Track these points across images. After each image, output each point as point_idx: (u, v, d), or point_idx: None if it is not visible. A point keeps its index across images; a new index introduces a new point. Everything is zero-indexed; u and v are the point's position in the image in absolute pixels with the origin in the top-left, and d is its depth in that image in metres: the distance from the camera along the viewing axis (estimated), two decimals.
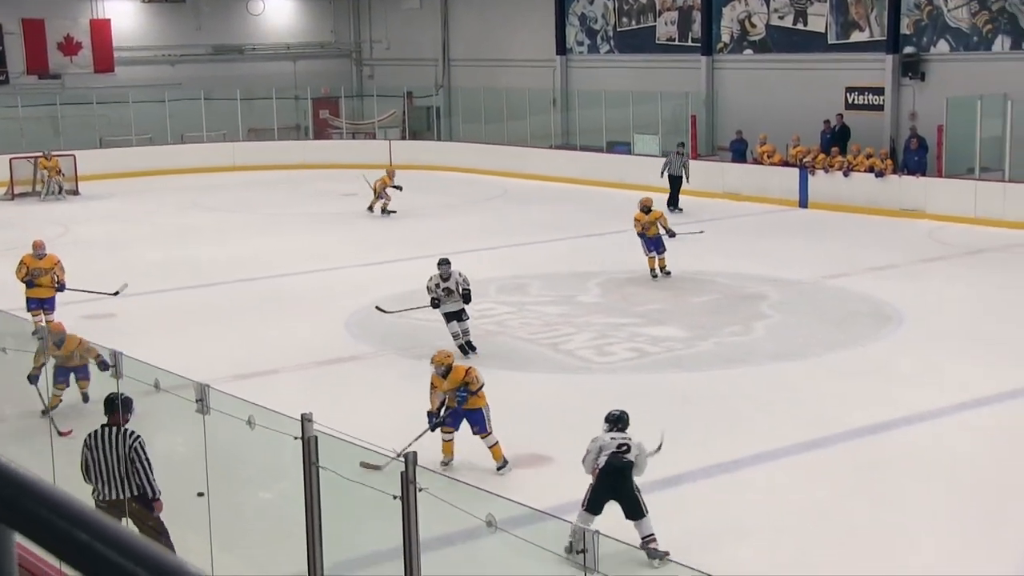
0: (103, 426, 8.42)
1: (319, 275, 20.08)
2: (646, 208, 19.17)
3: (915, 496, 10.06)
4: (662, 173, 25.96)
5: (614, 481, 8.72)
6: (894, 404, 12.37)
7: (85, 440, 8.47)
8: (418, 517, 5.89)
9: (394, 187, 26.28)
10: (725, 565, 8.27)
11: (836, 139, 26.70)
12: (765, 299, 17.58)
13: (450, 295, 14.27)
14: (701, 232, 20.97)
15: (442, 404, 10.66)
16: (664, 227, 19.05)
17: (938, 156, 25.40)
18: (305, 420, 6.54)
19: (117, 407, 8.43)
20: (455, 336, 14.46)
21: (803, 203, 26.03)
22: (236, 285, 19.47)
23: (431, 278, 14.46)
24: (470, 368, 10.90)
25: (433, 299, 14.44)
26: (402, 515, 5.88)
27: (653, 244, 18.97)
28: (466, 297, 14.29)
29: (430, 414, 10.70)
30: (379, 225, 25.67)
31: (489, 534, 6.41)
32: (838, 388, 13.16)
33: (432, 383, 10.84)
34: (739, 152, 28.36)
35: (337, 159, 35.16)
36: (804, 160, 26.39)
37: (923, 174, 24.96)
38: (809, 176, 26.10)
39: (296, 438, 6.55)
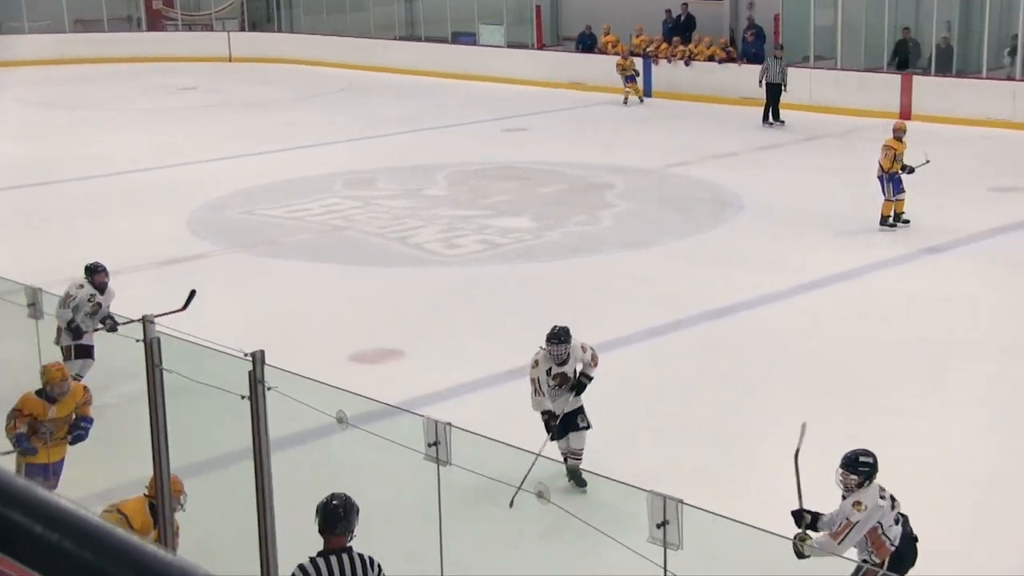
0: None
1: (159, 172, 19.48)
2: (901, 134, 14.83)
3: (765, 375, 10.35)
4: (760, 81, 22.57)
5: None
6: (738, 288, 12.67)
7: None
8: (267, 417, 5.78)
9: None
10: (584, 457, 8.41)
11: (679, 29, 26.84)
12: (611, 188, 17.72)
13: (562, 385, 8.42)
14: (928, 162, 14.58)
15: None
16: (905, 165, 14.67)
17: (775, 44, 25.81)
18: (147, 322, 6.33)
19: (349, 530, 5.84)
20: (565, 457, 8.54)
21: (647, 92, 26.20)
22: (70, 184, 18.76)
23: (535, 359, 8.42)
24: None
25: (546, 419, 8.34)
26: (251, 415, 5.77)
27: (899, 183, 14.68)
28: (580, 387, 8.49)
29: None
30: (220, 120, 24.97)
31: (341, 430, 6.36)
32: (684, 274, 13.40)
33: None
34: (586, 44, 28.31)
35: (172, 52, 33.96)
36: (647, 50, 26.50)
37: (761, 62, 25.36)
38: (652, 66, 26.24)
39: (138, 340, 6.34)
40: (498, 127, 23.27)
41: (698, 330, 11.61)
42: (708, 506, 5.37)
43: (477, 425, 6.54)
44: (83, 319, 9.77)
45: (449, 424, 5.84)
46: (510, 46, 30.25)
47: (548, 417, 8.27)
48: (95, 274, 9.93)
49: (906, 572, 6.22)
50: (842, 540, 6.12)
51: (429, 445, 5.83)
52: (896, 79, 22.69)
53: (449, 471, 5.82)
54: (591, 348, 8.51)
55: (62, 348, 9.74)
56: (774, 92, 22.45)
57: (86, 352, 9.79)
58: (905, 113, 22.43)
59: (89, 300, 9.81)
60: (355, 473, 8.05)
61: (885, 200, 14.76)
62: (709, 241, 14.90)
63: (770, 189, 17.39)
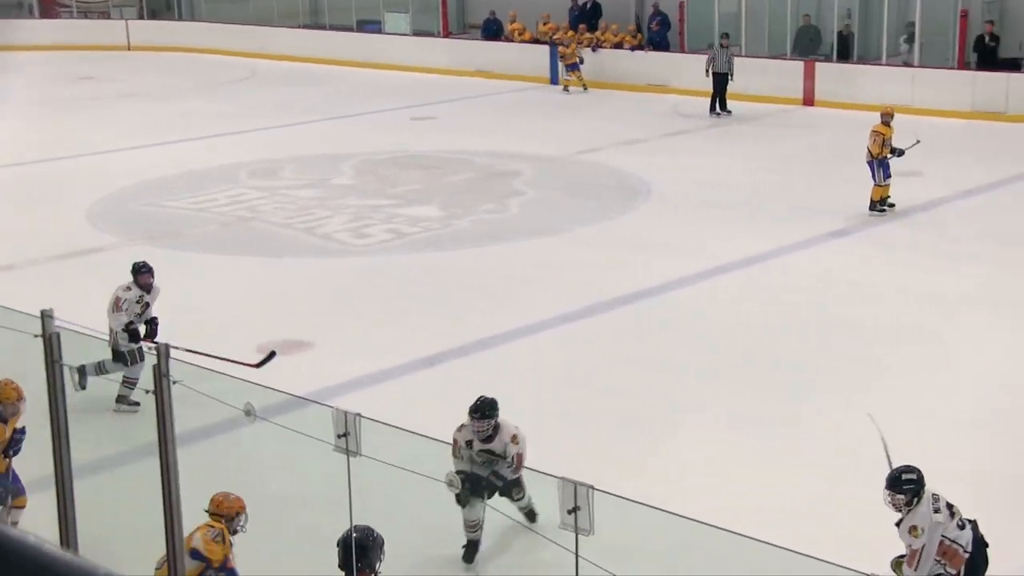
0: None
1: (56, 164, 19.02)
2: (889, 119, 14.89)
3: (675, 359, 10.42)
4: (707, 71, 22.33)
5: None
6: (647, 274, 12.73)
7: None
8: (172, 411, 5.66)
9: None
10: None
11: (585, 17, 26.92)
12: (519, 176, 17.71)
13: (489, 463, 7.26)
14: (918, 142, 15.08)
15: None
16: (894, 147, 14.79)
17: (680, 32, 26.08)
18: (46, 316, 6.17)
19: None
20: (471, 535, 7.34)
21: (554, 80, 26.24)
22: None
23: (459, 427, 7.35)
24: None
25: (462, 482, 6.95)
26: (156, 409, 5.65)
27: (888, 168, 14.75)
28: (493, 490, 7.28)
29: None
30: (119, 111, 24.46)
31: (249, 423, 6.25)
32: (593, 260, 13.44)
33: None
34: (492, 31, 28.27)
35: (68, 40, 33.18)
36: (554, 37, 26.53)
37: (667, 50, 25.62)
38: (559, 53, 26.27)
39: (36, 336, 6.17)
40: (405, 116, 23.14)
41: (608, 316, 11.64)
42: (619, 491, 5.37)
43: (387, 415, 6.47)
44: (136, 320, 9.49)
45: (358, 415, 5.77)
46: (416, 34, 30.10)
47: (464, 477, 6.96)
48: (139, 274, 9.65)
49: None
50: (918, 566, 5.93)
51: (339, 436, 5.75)
52: (799, 65, 23.00)
53: (359, 462, 5.75)
54: (520, 444, 7.08)
55: (125, 352, 9.40)
56: (721, 82, 22.18)
57: (142, 355, 9.47)
58: (808, 99, 22.79)
59: (137, 302, 9.54)
60: (264, 466, 7.95)
61: (875, 185, 14.92)
62: (617, 228, 14.96)
63: (678, 175, 17.52)
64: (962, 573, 5.95)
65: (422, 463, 7.33)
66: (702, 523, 6.26)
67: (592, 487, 4.96)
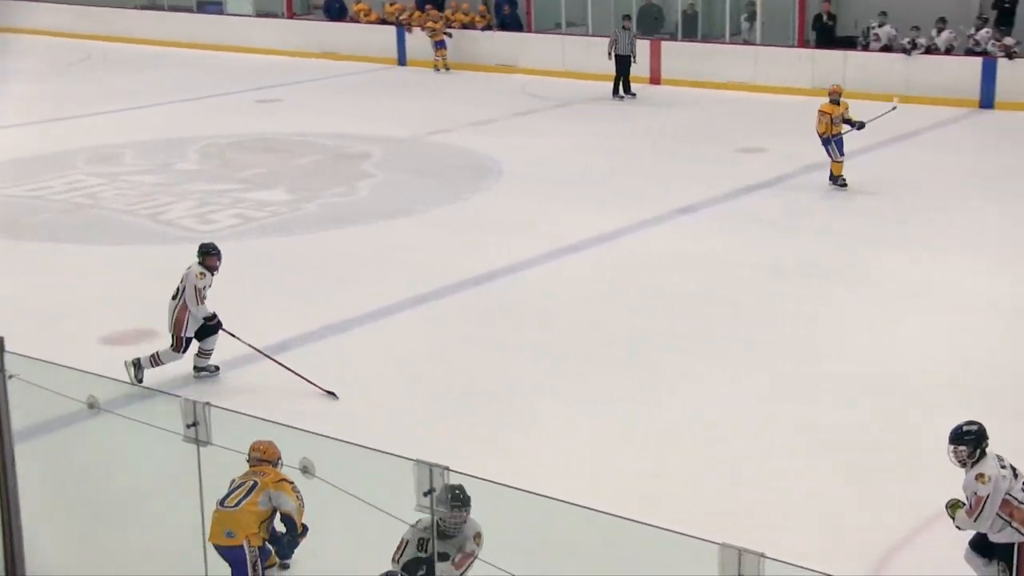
0: None
1: None
2: (836, 97, 14.99)
3: (525, 338, 10.44)
4: (609, 54, 21.76)
5: None
6: (498, 254, 12.74)
7: None
8: (8, 405, 5.43)
9: None
10: (343, 419, 8.24)
11: None
12: (368, 158, 17.54)
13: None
14: (895, 108, 15.38)
15: None
16: (852, 120, 14.87)
17: (527, 12, 26.16)
18: None
19: None
20: None
21: (401, 61, 26.06)
22: None
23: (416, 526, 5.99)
24: None
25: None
26: None
27: (841, 144, 14.96)
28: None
29: None
30: None
31: (92, 416, 6.07)
32: (444, 242, 13.39)
33: None
34: (335, 11, 27.89)
35: None
36: (400, 18, 26.32)
37: (516, 29, 25.67)
38: (406, 34, 26.08)
39: None
40: (250, 98, 22.71)
41: (459, 297, 11.61)
42: (473, 471, 5.34)
43: (236, 403, 6.34)
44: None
45: (208, 404, 5.64)
46: (259, 15, 29.54)
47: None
48: (208, 256, 9.53)
49: None
50: (978, 516, 5.99)
51: (188, 426, 5.61)
52: (645, 44, 23.28)
53: (209, 451, 5.61)
54: (476, 548, 5.97)
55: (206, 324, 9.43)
56: (623, 64, 21.81)
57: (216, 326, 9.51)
58: (655, 77, 23.10)
59: (209, 286, 9.48)
60: (110, 459, 7.69)
61: (832, 161, 15.03)
62: (468, 208, 14.94)
63: (528, 155, 17.57)
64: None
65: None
66: (558, 500, 6.27)
67: (447, 468, 4.92)
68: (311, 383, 9.11)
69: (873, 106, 16.19)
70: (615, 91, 21.97)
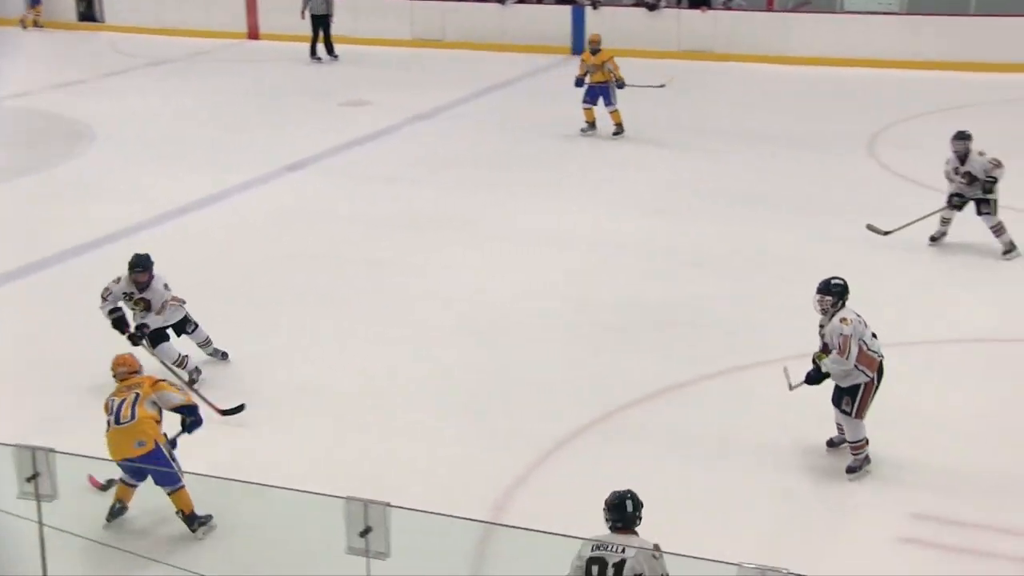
0: None
1: None
2: (595, 47, 15.04)
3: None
4: (302, 13, 20.36)
5: None
6: (97, 222, 11.96)
7: None
8: None
9: None
10: None
11: None
12: None
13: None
14: (663, 86, 15.41)
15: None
16: (616, 75, 14.90)
17: None
18: None
19: None
20: None
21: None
22: None
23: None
24: None
25: None
26: None
27: (598, 93, 15.02)
28: None
29: None
30: None
31: None
32: (37, 214, 12.54)
33: None
34: None
35: None
36: None
37: None
38: None
39: None
40: None
41: (58, 269, 10.88)
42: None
43: None
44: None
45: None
46: None
47: None
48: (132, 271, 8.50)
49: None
50: (848, 354, 6.87)
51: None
52: (242, 2, 22.56)
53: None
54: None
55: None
56: (321, 24, 20.48)
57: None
58: (253, 32, 22.61)
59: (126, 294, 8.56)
60: None
61: (609, 111, 15.01)
62: (60, 175, 14.05)
63: (123, 117, 16.75)
64: (877, 376, 7.03)
65: None
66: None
67: (388, 504, 4.61)
68: (214, 407, 8.06)
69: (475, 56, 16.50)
70: (312, 52, 20.67)
